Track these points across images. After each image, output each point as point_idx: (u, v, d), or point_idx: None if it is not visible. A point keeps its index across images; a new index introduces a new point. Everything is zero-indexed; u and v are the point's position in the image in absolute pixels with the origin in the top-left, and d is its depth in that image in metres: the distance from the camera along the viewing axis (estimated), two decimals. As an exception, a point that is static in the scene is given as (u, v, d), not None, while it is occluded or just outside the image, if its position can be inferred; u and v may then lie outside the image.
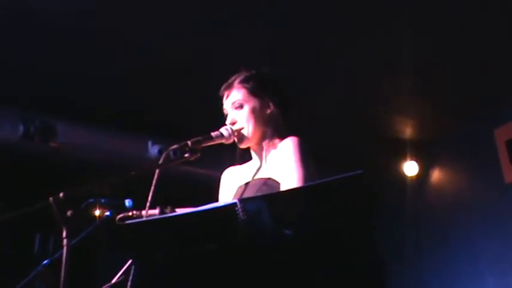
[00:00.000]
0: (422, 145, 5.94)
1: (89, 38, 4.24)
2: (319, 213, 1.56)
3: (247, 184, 2.45)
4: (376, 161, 6.05)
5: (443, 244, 5.83)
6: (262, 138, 2.48)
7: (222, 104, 2.58)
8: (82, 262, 4.00)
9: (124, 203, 3.83)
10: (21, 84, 4.66)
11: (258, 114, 2.47)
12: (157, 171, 2.30)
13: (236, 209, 1.56)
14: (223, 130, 2.49)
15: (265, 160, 2.47)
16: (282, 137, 2.41)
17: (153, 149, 5.32)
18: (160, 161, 2.33)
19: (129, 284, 2.15)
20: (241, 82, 2.52)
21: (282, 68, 4.43)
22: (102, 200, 3.39)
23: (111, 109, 5.07)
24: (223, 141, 2.49)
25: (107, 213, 3.92)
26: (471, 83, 4.95)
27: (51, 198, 2.01)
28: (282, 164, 2.29)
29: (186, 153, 2.38)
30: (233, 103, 2.50)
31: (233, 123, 2.48)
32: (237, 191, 2.49)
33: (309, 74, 4.74)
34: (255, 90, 2.49)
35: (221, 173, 2.70)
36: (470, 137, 5.69)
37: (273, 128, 2.46)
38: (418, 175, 6.18)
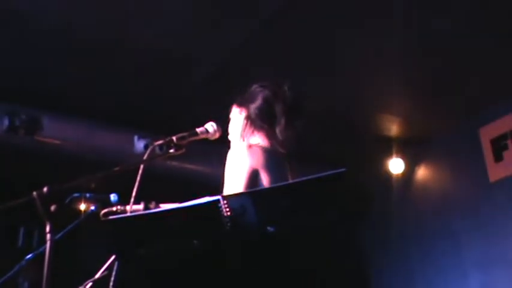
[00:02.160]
0: (408, 143, 5.96)
1: (73, 33, 4.23)
2: (303, 210, 1.57)
3: None
4: (362, 158, 6.07)
5: (429, 241, 5.86)
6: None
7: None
8: (66, 257, 3.98)
9: (109, 198, 3.83)
10: (6, 77, 4.62)
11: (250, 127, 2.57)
12: (141, 166, 2.31)
13: (219, 205, 1.57)
14: (208, 126, 2.53)
15: None
16: None
17: (139, 144, 5.30)
18: (145, 157, 2.33)
19: (112, 279, 2.15)
20: (239, 103, 2.67)
21: (268, 66, 4.51)
22: (87, 195, 3.37)
23: (97, 103, 5.05)
24: (208, 136, 2.52)
25: (92, 207, 3.91)
26: (457, 82, 4.98)
27: (34, 193, 1.99)
28: None
29: (171, 148, 2.38)
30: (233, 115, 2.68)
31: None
32: None
33: (294, 71, 4.74)
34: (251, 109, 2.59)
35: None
36: (455, 136, 5.72)
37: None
38: (403, 173, 6.20)
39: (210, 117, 2.59)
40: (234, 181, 2.20)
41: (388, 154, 6.15)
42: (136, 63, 4.62)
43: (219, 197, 1.57)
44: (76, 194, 3.31)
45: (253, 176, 2.21)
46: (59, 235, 3.70)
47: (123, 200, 3.36)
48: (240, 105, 2.61)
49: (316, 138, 5.50)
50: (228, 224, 1.57)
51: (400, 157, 6.15)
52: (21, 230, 3.93)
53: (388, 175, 6.24)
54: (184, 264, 1.65)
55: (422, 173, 6.16)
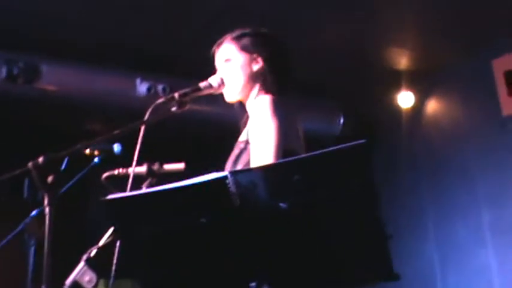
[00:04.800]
0: (418, 76, 5.79)
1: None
2: (317, 185, 1.45)
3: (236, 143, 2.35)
4: (371, 91, 5.94)
5: (440, 176, 5.78)
6: (249, 95, 2.38)
7: (214, 39, 2.48)
8: (71, 214, 3.92)
9: (112, 148, 3.72)
10: (2, 24, 4.43)
11: (245, 70, 2.36)
12: (142, 127, 2.19)
13: (227, 181, 1.45)
14: (211, 80, 2.38)
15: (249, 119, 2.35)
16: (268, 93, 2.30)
17: (142, 87, 5.15)
18: (146, 117, 2.20)
19: (117, 247, 2.06)
20: (233, 38, 2.43)
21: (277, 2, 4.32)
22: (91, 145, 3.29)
23: (96, 47, 4.87)
24: (212, 91, 2.39)
25: (96, 159, 3.81)
26: (470, 13, 4.76)
27: (30, 164, 1.89)
28: (252, 127, 2.15)
29: (173, 106, 2.26)
30: (222, 59, 2.42)
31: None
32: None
33: (303, 6, 4.54)
34: (244, 45, 2.40)
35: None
36: (467, 68, 5.54)
37: (260, 85, 2.36)
38: (413, 106, 6.06)
39: (212, 59, 2.46)
40: (267, 146, 2.03)
41: (398, 87, 6.01)
42: (137, 2, 4.41)
43: (226, 172, 1.45)
44: (79, 145, 3.22)
45: (284, 136, 2.07)
46: (63, 189, 3.63)
47: (126, 150, 3.26)
48: (246, 49, 2.38)
49: (325, 72, 5.38)
50: (237, 201, 1.45)
51: (410, 90, 6.00)
52: (26, 181, 3.84)
53: (397, 109, 6.11)
54: (191, 243, 1.54)
55: (432, 106, 6.01)
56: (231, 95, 2.39)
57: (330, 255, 1.50)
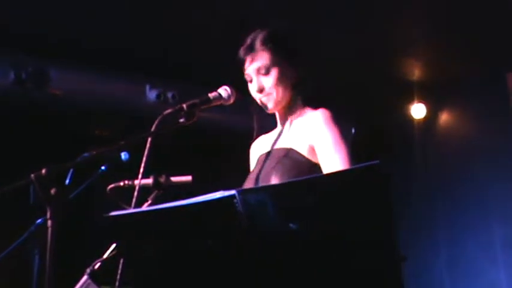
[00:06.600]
0: (431, 87, 5.73)
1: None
2: (329, 206, 1.38)
3: (268, 153, 2.28)
4: (383, 102, 5.88)
5: (451, 189, 5.72)
6: (290, 104, 2.28)
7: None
8: (76, 222, 3.88)
9: (120, 156, 3.67)
10: (11, 27, 4.40)
11: (286, 79, 2.25)
12: (149, 139, 2.13)
13: (235, 201, 1.39)
14: (221, 91, 2.29)
15: (290, 128, 2.28)
16: (311, 105, 2.24)
17: (151, 94, 5.11)
18: (153, 128, 2.14)
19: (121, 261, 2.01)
20: (264, 44, 2.26)
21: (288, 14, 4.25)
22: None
23: (105, 51, 4.82)
24: (222, 102, 2.30)
25: (103, 167, 3.77)
26: (484, 24, 4.69)
27: (32, 176, 1.84)
28: (311, 138, 2.13)
29: (181, 117, 2.19)
30: (258, 68, 2.26)
31: (261, 91, 2.26)
32: (258, 160, 2.33)
33: (318, 19, 4.49)
34: (280, 52, 2.25)
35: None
36: (481, 81, 5.48)
37: (302, 93, 2.27)
38: (426, 118, 6.00)
39: (223, 66, 2.36)
40: (342, 153, 2.07)
41: (410, 99, 5.95)
42: (148, 9, 4.36)
43: (234, 191, 1.38)
44: (86, 154, 3.17)
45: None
46: (71, 196, 3.58)
47: (133, 158, 3.21)
48: (283, 56, 2.24)
49: (337, 82, 5.32)
50: (245, 221, 1.39)
51: (422, 102, 5.94)
52: (32, 186, 3.77)
53: (410, 120, 6.04)
54: (196, 264, 1.48)
55: (445, 118, 5.95)
56: (273, 107, 2.28)
57: (342, 279, 1.43)
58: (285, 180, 2.01)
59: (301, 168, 2.10)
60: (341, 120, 2.12)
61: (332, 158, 2.06)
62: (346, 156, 2.06)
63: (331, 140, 2.09)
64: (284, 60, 2.26)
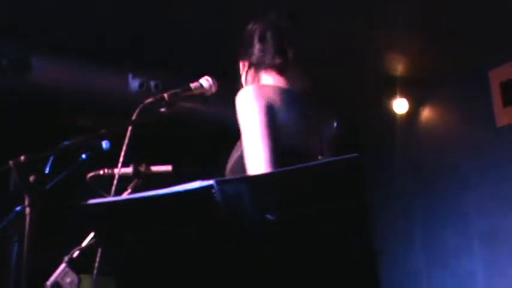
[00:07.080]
0: (414, 82, 5.75)
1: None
2: (307, 197, 1.39)
3: None
4: (366, 97, 5.89)
5: (432, 182, 5.76)
6: None
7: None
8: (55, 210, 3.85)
9: (101, 145, 3.66)
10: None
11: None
12: (130, 128, 2.12)
13: (213, 191, 1.39)
14: (203, 81, 2.31)
15: None
16: None
17: (134, 83, 5.08)
18: (134, 117, 2.13)
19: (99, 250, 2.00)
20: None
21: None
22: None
23: (87, 40, 4.80)
24: (203, 91, 2.32)
25: (83, 155, 3.75)
26: (468, 22, 4.72)
27: (11, 162, 1.83)
28: None
29: (162, 107, 2.19)
30: None
31: None
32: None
33: (301, 12, 4.48)
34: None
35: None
36: (463, 78, 5.52)
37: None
38: (408, 113, 6.03)
39: (204, 55, 2.38)
40: (251, 133, 1.97)
41: (393, 94, 5.97)
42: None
43: (212, 181, 1.39)
44: (67, 142, 3.15)
45: (271, 120, 2.00)
46: (51, 184, 3.56)
47: (114, 146, 3.20)
48: (242, 58, 2.37)
49: (319, 77, 5.32)
50: (223, 211, 1.39)
51: (405, 97, 5.97)
52: (11, 174, 3.75)
53: (392, 115, 6.07)
54: (175, 252, 1.49)
55: (427, 114, 5.99)
56: None
57: (317, 271, 1.44)
58: (230, 164, 2.07)
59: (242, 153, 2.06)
60: (248, 101, 2.06)
61: (244, 141, 2.00)
62: (252, 138, 1.96)
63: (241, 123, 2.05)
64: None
